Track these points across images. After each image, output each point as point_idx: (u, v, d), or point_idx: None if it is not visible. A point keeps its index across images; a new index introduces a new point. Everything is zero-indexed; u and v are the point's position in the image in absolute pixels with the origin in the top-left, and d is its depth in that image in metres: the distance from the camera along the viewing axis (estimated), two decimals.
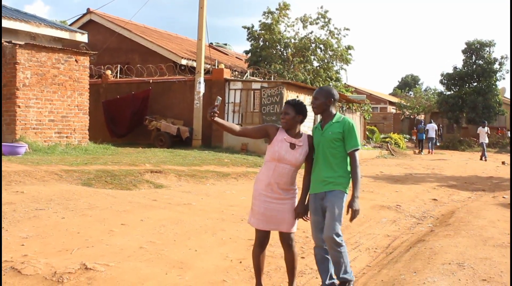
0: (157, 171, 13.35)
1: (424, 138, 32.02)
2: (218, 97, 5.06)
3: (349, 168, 5.11)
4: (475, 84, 43.67)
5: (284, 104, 5.28)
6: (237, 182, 13.88)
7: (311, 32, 29.26)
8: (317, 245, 5.23)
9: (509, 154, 30.67)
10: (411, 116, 53.58)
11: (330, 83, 28.69)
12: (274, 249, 6.67)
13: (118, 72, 24.93)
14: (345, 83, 32.01)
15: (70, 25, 26.75)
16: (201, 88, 21.09)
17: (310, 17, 29.17)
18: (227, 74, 22.10)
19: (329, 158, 5.11)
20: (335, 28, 29.02)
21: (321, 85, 27.34)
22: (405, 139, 36.19)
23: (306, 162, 5.25)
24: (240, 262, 6.45)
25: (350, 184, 5.14)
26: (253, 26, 29.28)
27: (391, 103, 57.84)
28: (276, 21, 28.63)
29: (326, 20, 28.92)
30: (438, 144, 38.16)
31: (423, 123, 33.84)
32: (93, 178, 11.66)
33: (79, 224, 7.69)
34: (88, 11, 27.76)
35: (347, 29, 29.14)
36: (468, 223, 8.78)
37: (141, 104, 22.10)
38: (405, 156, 28.33)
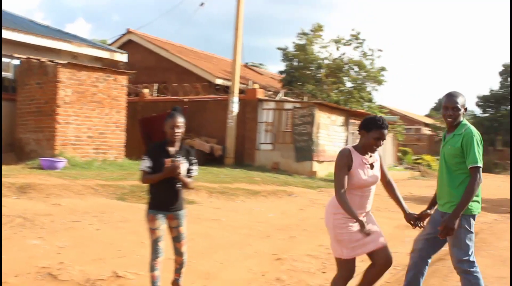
0: None
1: None
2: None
3: None
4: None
5: (381, 130, 4.61)
6: (266, 200, 14.14)
7: (344, 53, 29.69)
8: (413, 250, 5.08)
9: None
10: None
11: (364, 104, 28.87)
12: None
13: (155, 91, 25.53)
14: (379, 105, 32.15)
15: (110, 44, 27.62)
16: (234, 107, 21.52)
17: (343, 38, 29.57)
18: (260, 94, 22.51)
19: (450, 175, 4.79)
20: (369, 49, 29.40)
21: (354, 106, 27.46)
22: None
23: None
24: (263, 275, 6.73)
25: (473, 205, 4.71)
26: (287, 48, 29.80)
27: (426, 124, 57.50)
28: (310, 42, 29.08)
29: (359, 41, 29.28)
30: None
31: None
32: (127, 192, 12.05)
33: (112, 235, 8.10)
34: (128, 31, 28.58)
35: (380, 50, 29.54)
36: (489, 244, 8.93)
37: None
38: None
